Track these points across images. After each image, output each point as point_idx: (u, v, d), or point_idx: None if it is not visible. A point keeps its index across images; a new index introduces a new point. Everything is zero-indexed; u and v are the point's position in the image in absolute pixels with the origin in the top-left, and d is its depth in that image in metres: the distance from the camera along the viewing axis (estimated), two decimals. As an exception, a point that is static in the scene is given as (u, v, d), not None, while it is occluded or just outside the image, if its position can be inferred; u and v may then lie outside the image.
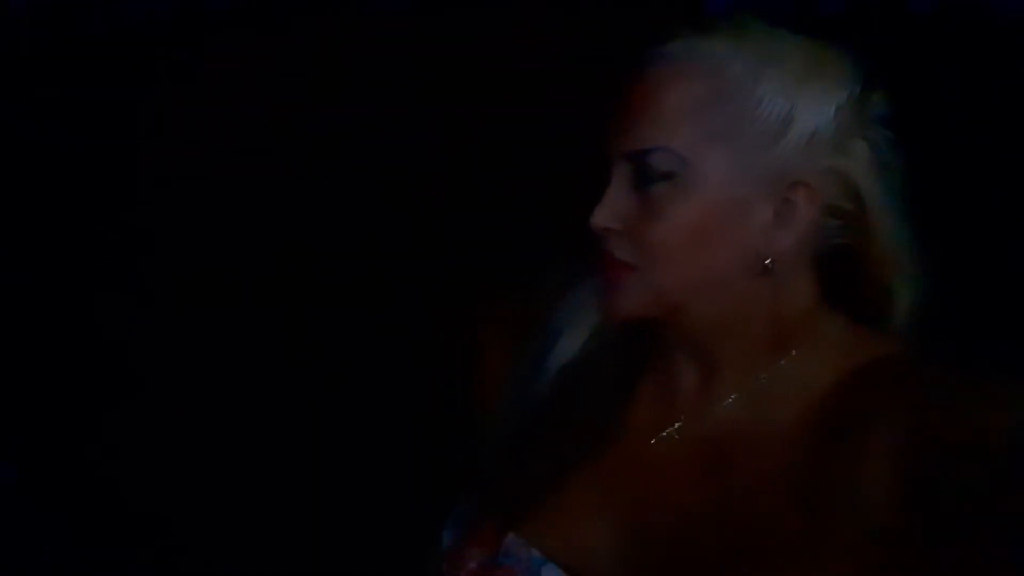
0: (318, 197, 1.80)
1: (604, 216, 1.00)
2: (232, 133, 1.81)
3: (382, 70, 1.81)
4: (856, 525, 0.89)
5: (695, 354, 1.02)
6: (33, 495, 1.68)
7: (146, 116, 1.83)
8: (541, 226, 1.15)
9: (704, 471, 0.99)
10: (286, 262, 1.77)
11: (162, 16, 1.82)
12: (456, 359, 1.19)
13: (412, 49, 1.80)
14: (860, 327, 1.03)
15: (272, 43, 1.83)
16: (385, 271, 1.74)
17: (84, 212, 1.81)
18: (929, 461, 0.88)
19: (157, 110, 1.81)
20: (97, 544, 1.69)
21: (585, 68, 1.51)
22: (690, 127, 0.97)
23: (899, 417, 0.91)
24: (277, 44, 1.83)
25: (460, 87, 1.77)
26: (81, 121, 1.80)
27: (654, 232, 0.97)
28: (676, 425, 1.03)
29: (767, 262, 0.98)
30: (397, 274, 1.74)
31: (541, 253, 1.14)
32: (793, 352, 1.00)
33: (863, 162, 0.99)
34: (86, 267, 1.79)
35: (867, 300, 1.02)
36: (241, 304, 1.73)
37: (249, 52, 1.82)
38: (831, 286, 1.02)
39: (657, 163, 0.97)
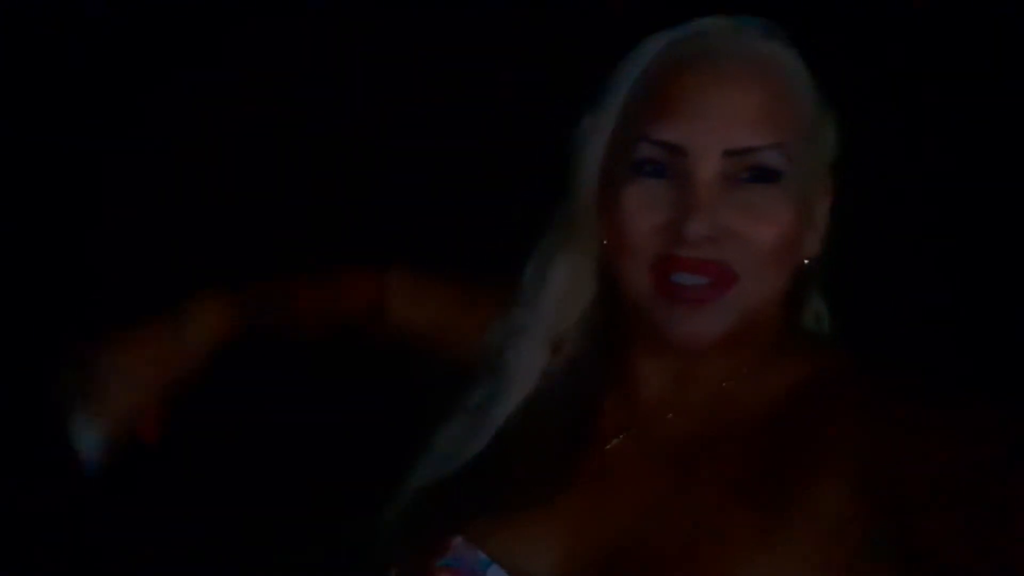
0: (317, 199, 1.79)
1: (704, 222, 0.92)
2: (235, 133, 1.80)
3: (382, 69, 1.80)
4: (811, 530, 0.88)
5: (676, 364, 1.01)
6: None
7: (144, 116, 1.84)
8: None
9: (659, 476, 0.98)
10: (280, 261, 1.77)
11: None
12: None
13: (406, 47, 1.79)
14: (808, 332, 1.04)
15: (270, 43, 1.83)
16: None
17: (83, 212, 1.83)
18: (881, 467, 0.87)
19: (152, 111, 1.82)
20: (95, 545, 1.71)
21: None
22: (789, 125, 0.95)
23: (851, 427, 0.90)
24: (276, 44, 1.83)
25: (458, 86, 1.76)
26: (78, 121, 1.81)
27: (761, 236, 0.94)
28: (631, 430, 1.02)
29: (806, 263, 0.99)
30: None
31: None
32: (758, 358, 1.00)
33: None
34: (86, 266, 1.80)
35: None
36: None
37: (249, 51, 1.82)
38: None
39: (769, 161, 0.93)
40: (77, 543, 1.74)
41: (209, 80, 1.79)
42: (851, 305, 1.06)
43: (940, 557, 0.83)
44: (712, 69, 0.96)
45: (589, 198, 1.03)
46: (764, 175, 0.94)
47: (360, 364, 1.47)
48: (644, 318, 0.97)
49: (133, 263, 1.79)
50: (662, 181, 0.95)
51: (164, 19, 1.78)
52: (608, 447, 1.02)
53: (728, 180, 0.94)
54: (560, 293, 1.07)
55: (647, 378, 1.03)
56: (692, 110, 0.94)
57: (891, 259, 1.36)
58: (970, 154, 1.40)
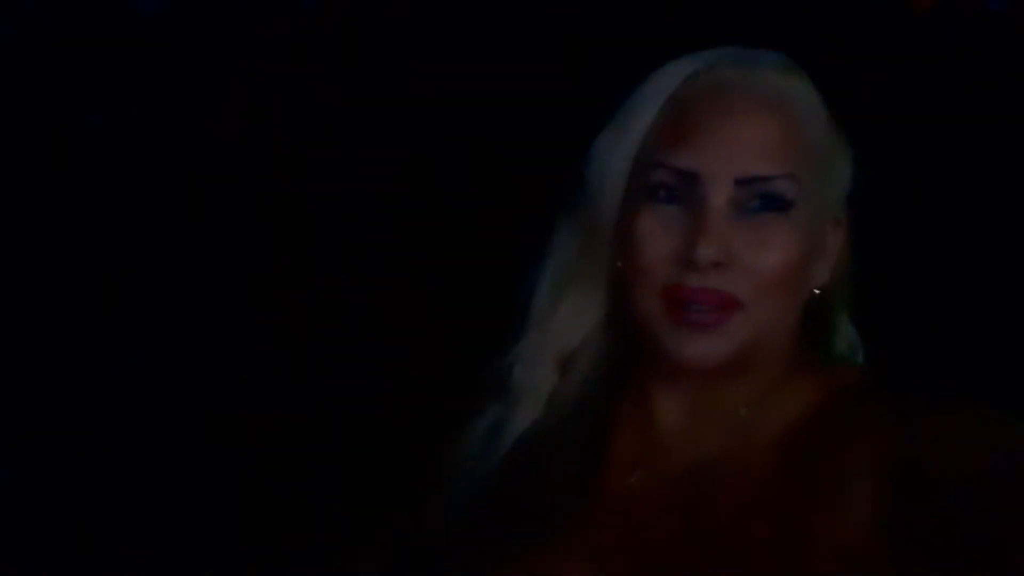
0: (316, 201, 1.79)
1: (713, 248, 0.94)
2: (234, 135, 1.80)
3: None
4: (834, 556, 0.89)
5: (691, 391, 1.02)
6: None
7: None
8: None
9: (680, 507, 0.98)
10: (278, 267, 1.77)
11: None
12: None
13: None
14: (826, 357, 1.06)
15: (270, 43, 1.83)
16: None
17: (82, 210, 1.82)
18: (903, 489, 0.88)
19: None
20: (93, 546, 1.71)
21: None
22: (801, 156, 0.98)
23: (872, 446, 0.92)
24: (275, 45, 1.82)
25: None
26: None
27: (766, 265, 0.96)
28: (652, 464, 1.02)
29: (815, 291, 1.02)
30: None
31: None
32: (774, 384, 1.01)
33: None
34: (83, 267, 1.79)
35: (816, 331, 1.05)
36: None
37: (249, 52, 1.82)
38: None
39: (780, 190, 0.96)
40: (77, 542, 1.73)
41: (209, 81, 1.78)
42: (882, 332, 1.07)
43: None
44: (727, 101, 0.99)
45: (607, 221, 1.04)
46: (773, 204, 0.96)
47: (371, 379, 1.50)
48: (653, 341, 0.99)
49: (133, 263, 1.78)
50: (675, 207, 0.97)
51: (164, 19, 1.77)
52: (631, 480, 1.02)
53: (738, 208, 0.96)
54: (570, 314, 1.08)
55: (662, 406, 1.03)
56: (706, 139, 0.97)
57: (918, 287, 1.38)
58: (995, 185, 1.41)
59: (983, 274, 1.40)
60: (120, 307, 1.75)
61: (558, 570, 0.98)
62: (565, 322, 1.08)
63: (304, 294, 1.69)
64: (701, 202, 0.96)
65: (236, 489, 1.65)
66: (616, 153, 1.03)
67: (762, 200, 0.96)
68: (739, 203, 0.96)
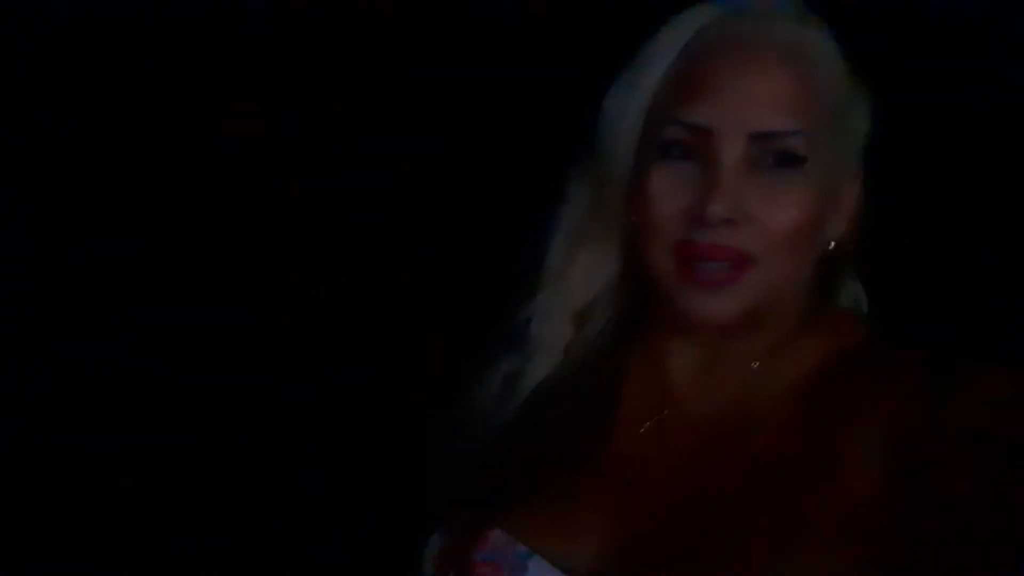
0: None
1: (725, 205, 0.93)
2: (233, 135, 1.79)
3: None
4: (840, 507, 0.89)
5: (704, 345, 1.02)
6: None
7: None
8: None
9: (690, 460, 0.99)
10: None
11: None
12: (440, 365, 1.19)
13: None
14: (837, 311, 1.05)
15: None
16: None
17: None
18: (913, 445, 0.89)
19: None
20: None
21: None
22: (816, 111, 0.96)
23: (884, 402, 0.92)
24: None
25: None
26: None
27: (778, 221, 0.95)
28: (664, 412, 1.02)
29: (831, 246, 1.00)
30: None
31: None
32: (786, 338, 1.00)
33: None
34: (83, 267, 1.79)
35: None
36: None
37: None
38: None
39: (793, 146, 0.95)
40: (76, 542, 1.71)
41: (209, 82, 1.77)
42: (888, 287, 1.07)
43: (965, 528, 0.85)
44: (742, 54, 0.97)
45: (620, 177, 1.03)
46: (787, 160, 0.95)
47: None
48: (665, 297, 0.99)
49: (133, 264, 1.77)
50: (688, 163, 0.96)
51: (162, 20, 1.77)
52: (643, 431, 1.02)
53: (752, 164, 0.95)
54: (584, 268, 1.08)
55: (675, 360, 1.04)
56: (720, 94, 0.95)
57: (927, 243, 1.37)
58: (1012, 142, 1.40)
59: (995, 232, 1.39)
60: (119, 307, 1.74)
61: (570, 521, 0.99)
62: (579, 277, 1.08)
63: (314, 250, 1.68)
64: (714, 158, 0.95)
65: (246, 466, 1.64)
66: (628, 109, 1.02)
67: (776, 156, 0.95)
68: (753, 158, 0.95)
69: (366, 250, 1.67)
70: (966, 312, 1.37)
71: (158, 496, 1.68)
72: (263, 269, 1.71)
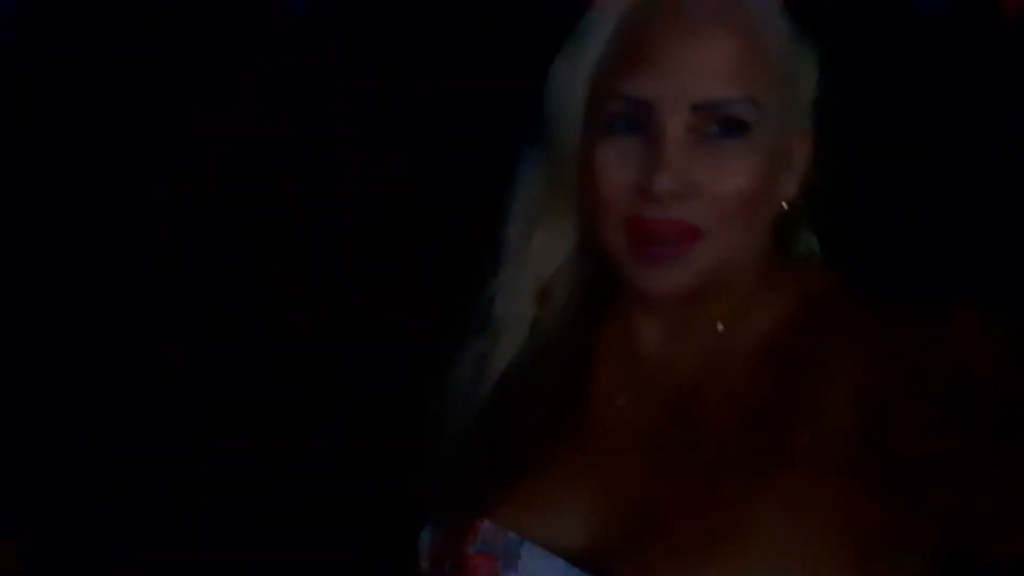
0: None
1: (671, 179, 0.92)
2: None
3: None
4: (812, 462, 0.90)
5: (667, 314, 1.02)
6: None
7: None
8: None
9: (664, 430, 0.99)
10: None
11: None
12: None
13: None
14: (798, 263, 1.05)
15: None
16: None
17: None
18: (882, 390, 0.89)
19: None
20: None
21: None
22: (760, 74, 0.94)
23: (851, 349, 0.92)
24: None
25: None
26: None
27: (724, 189, 0.93)
28: (636, 388, 1.03)
29: (784, 206, 0.99)
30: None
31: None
32: (749, 297, 1.01)
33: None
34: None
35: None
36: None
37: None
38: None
39: (739, 114, 0.93)
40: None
41: (209, 81, 1.77)
42: (838, 231, 1.07)
43: (939, 476, 0.86)
44: (681, 21, 0.95)
45: (570, 151, 1.01)
46: (733, 128, 0.93)
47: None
48: (620, 271, 0.99)
49: (133, 264, 1.78)
50: (634, 137, 0.95)
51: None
52: (618, 404, 1.03)
53: (697, 134, 0.93)
54: (543, 244, 1.07)
55: (642, 330, 1.04)
56: (660, 64, 0.93)
57: (877, 185, 1.36)
58: (963, 83, 1.38)
59: (949, 180, 1.37)
60: (120, 306, 1.75)
61: (555, 502, 1.00)
62: (539, 252, 1.07)
63: (295, 245, 1.68)
64: (658, 131, 0.93)
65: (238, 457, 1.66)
66: (571, 82, 1.00)
67: (721, 124, 0.93)
68: (698, 129, 0.93)
69: (356, 247, 1.66)
70: (921, 257, 1.37)
71: (156, 492, 1.70)
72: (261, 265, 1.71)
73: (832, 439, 0.90)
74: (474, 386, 1.10)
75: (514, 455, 1.03)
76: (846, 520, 0.90)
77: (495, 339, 1.09)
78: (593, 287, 1.09)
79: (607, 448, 1.01)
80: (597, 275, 1.07)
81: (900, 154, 1.37)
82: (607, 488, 0.99)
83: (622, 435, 1.01)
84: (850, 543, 0.90)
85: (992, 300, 0.91)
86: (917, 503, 0.88)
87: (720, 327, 1.00)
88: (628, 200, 0.94)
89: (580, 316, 1.09)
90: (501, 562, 0.99)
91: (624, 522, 0.97)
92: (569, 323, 1.09)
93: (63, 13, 1.79)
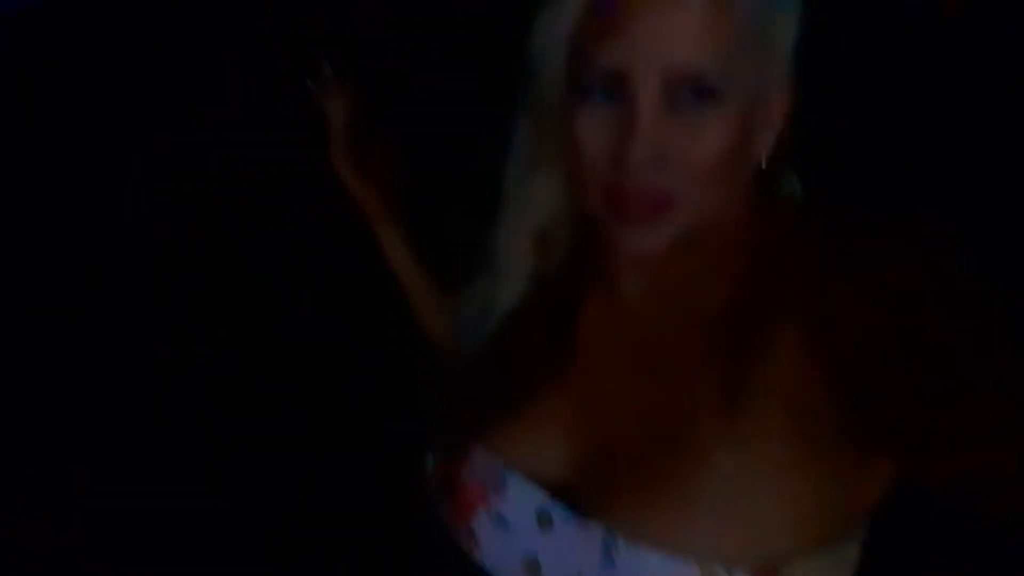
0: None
1: (645, 149, 0.93)
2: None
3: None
4: (772, 399, 0.92)
5: (647, 265, 1.04)
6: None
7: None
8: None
9: (637, 369, 1.02)
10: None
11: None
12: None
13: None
14: (766, 203, 1.04)
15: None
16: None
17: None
18: (831, 323, 0.91)
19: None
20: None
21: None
22: (734, 34, 0.93)
23: (811, 276, 0.93)
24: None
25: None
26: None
27: (698, 156, 0.94)
28: (618, 332, 1.05)
29: (762, 164, 1.00)
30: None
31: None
32: (728, 245, 1.02)
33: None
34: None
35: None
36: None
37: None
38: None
39: (712, 80, 0.93)
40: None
41: (208, 77, 1.78)
42: (820, 171, 1.06)
43: (894, 411, 0.88)
44: None
45: (553, 110, 1.02)
46: (706, 93, 0.93)
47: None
48: (601, 228, 1.00)
49: (133, 263, 1.79)
50: (610, 105, 0.95)
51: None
52: (599, 348, 1.06)
53: (671, 100, 0.93)
54: (539, 189, 1.09)
55: (624, 279, 1.06)
56: (632, 31, 0.93)
57: (859, 127, 1.36)
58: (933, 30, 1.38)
59: (929, 119, 1.36)
60: (118, 307, 1.76)
61: (540, 437, 1.03)
62: (536, 197, 1.09)
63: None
64: (631, 100, 0.94)
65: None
66: (550, 45, 1.00)
67: (694, 90, 0.93)
68: (671, 95, 0.93)
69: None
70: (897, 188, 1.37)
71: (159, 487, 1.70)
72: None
73: (785, 375, 0.92)
74: (479, 322, 1.13)
75: (508, 390, 1.07)
76: (804, 451, 0.91)
77: (498, 280, 1.12)
78: (585, 239, 1.11)
79: (588, 388, 1.04)
80: (587, 225, 1.09)
81: (879, 94, 1.37)
82: (585, 425, 1.02)
83: (603, 377, 1.04)
84: (809, 475, 0.91)
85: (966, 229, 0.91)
86: (868, 421, 0.90)
87: (699, 275, 1.01)
88: (605, 168, 0.95)
89: (573, 262, 1.11)
90: (490, 490, 1.02)
91: (597, 458, 1.00)
92: (563, 274, 1.11)
93: (63, 13, 1.80)
